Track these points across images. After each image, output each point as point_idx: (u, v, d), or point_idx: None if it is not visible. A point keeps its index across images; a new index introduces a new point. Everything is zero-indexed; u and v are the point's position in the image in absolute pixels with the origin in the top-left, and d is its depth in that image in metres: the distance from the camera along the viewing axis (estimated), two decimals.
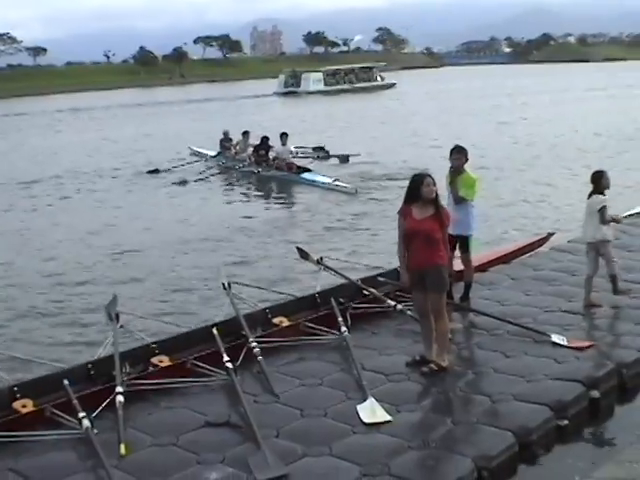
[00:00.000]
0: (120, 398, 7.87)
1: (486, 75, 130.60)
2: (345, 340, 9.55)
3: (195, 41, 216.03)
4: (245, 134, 31.40)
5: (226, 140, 32.18)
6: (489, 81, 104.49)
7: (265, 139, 29.68)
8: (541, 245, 14.51)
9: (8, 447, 7.27)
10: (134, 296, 14.12)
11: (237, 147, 31.11)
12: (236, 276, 13.29)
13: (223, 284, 10.97)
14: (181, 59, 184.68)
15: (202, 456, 7.03)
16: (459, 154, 10.88)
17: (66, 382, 8.06)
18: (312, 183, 26.50)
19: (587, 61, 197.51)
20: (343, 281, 11.52)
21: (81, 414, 7.50)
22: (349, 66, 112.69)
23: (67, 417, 7.62)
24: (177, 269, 16.33)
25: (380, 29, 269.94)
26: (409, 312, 10.25)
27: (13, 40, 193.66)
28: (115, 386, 8.06)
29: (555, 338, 9.50)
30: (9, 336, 12.50)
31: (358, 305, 10.80)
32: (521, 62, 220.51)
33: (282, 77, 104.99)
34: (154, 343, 9.36)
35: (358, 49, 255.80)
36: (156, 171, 30.56)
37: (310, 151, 32.47)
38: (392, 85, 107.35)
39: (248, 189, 27.48)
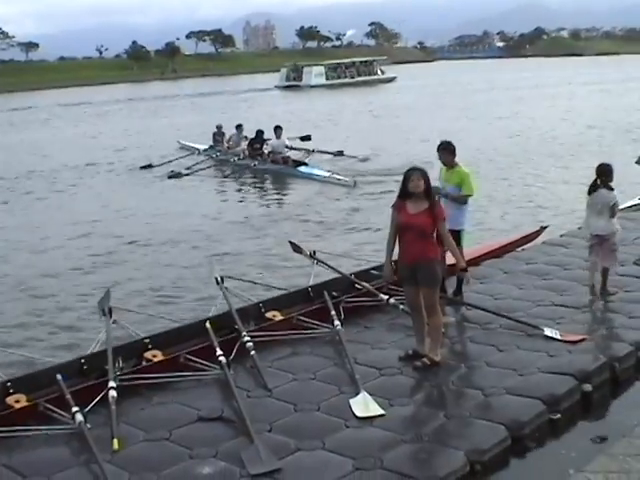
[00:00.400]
0: (113, 393, 7.86)
1: (480, 70, 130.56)
2: (338, 334, 9.57)
3: (187, 36, 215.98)
4: (238, 128, 31.24)
5: (219, 134, 32.07)
6: (484, 75, 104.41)
7: (260, 132, 29.52)
8: (534, 239, 14.52)
9: (1, 442, 7.26)
10: (127, 291, 14.11)
11: (230, 141, 31.02)
12: (229, 270, 13.28)
13: (216, 278, 10.97)
14: (174, 54, 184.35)
15: (195, 451, 7.04)
16: (445, 150, 10.89)
17: (59, 377, 8.05)
18: (309, 176, 26.37)
19: (580, 55, 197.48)
20: (336, 275, 11.53)
21: (74, 409, 7.49)
22: (350, 60, 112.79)
23: (60, 412, 7.62)
24: (170, 263, 16.28)
25: (373, 23, 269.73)
26: (402, 306, 10.25)
27: (5, 35, 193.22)
28: (108, 381, 8.05)
29: (548, 332, 9.52)
30: (1, 331, 12.46)
31: (351, 299, 10.80)
32: (514, 56, 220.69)
33: (284, 71, 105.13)
34: (147, 338, 9.37)
35: (351, 44, 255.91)
36: (149, 166, 30.46)
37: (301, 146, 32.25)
38: (392, 79, 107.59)
39: (243, 183, 27.37)
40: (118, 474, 6.68)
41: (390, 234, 8.99)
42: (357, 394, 8.01)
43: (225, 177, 27.99)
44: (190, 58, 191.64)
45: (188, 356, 8.89)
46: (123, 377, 8.38)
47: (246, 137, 30.48)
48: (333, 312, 10.10)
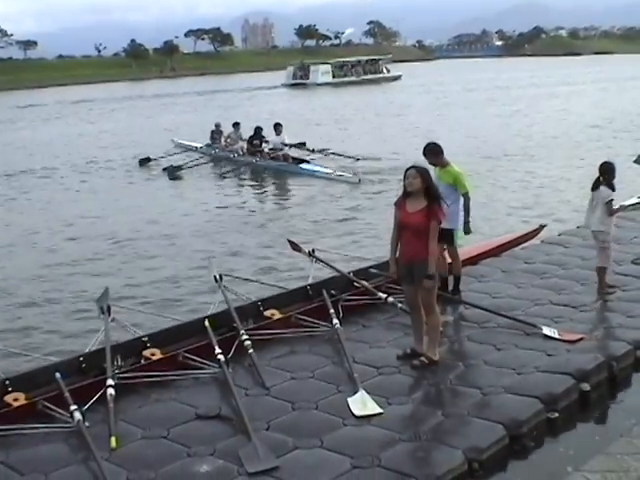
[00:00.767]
0: (111, 391, 7.87)
1: (480, 69, 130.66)
2: (336, 333, 9.56)
3: (186, 34, 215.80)
4: (236, 125, 31.22)
5: (217, 132, 32.14)
6: (484, 75, 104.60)
7: (258, 129, 29.56)
8: (532, 238, 14.50)
9: (0, 441, 7.27)
10: (126, 289, 14.11)
11: (228, 139, 31.02)
12: (228, 268, 13.29)
13: (215, 277, 10.99)
14: (172, 52, 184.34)
15: (193, 449, 7.04)
16: (429, 153, 10.88)
17: (58, 375, 8.05)
18: (312, 173, 26.30)
19: (579, 54, 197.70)
20: (335, 274, 11.53)
21: (72, 407, 7.50)
22: (356, 58, 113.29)
23: (59, 410, 7.62)
24: (169, 262, 16.28)
25: (371, 22, 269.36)
26: (400, 305, 10.26)
27: (4, 33, 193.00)
28: (106, 379, 8.05)
29: (546, 331, 9.53)
30: (0, 330, 12.46)
31: (350, 297, 10.81)
32: (513, 55, 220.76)
33: (290, 69, 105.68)
34: (145, 336, 9.36)
35: (349, 42, 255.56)
36: (147, 160, 30.44)
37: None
38: (398, 77, 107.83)
39: (243, 180, 27.36)
40: (116, 472, 6.68)
41: (393, 232, 8.99)
42: (355, 393, 8.01)
43: (224, 174, 27.87)
44: (189, 56, 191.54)
45: (186, 354, 8.90)
46: (121, 375, 8.38)
47: (241, 137, 30.51)
48: (332, 311, 10.10)
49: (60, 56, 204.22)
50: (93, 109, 69.48)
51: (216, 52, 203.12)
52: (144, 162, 30.45)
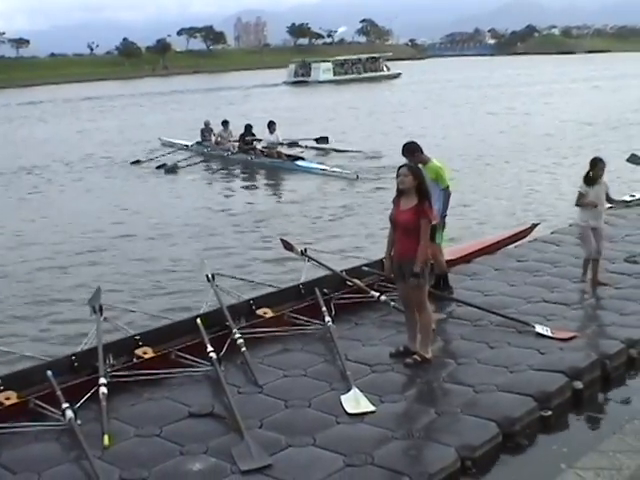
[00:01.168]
0: (103, 389, 7.85)
1: (473, 67, 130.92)
2: (329, 331, 9.55)
3: (179, 33, 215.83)
4: (225, 124, 31.33)
5: (207, 130, 32.20)
6: (478, 73, 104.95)
7: (249, 127, 29.69)
8: (525, 236, 14.53)
9: None
10: (118, 288, 14.07)
11: (219, 137, 31.02)
12: (220, 267, 13.27)
13: (207, 276, 10.97)
14: (165, 51, 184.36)
15: (185, 447, 7.02)
16: (406, 152, 10.82)
17: (50, 374, 8.01)
18: (308, 170, 26.25)
19: (572, 53, 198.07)
20: (327, 272, 11.52)
21: (64, 405, 7.47)
22: (357, 56, 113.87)
23: (51, 409, 7.60)
24: (161, 260, 16.25)
25: (364, 20, 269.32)
26: (393, 303, 10.27)
27: None
28: (99, 377, 8.04)
29: (539, 329, 9.53)
30: None
31: (342, 296, 10.81)
32: (505, 54, 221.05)
33: (292, 67, 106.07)
34: (138, 335, 9.34)
35: (342, 41, 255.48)
36: (138, 162, 30.41)
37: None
38: (398, 75, 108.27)
39: (236, 177, 27.34)
40: (109, 470, 6.66)
41: (390, 230, 8.99)
42: (348, 390, 8.00)
43: (217, 172, 27.89)
44: (181, 55, 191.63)
45: (179, 353, 8.88)
46: (114, 374, 8.36)
47: (231, 135, 30.52)
48: (324, 309, 10.10)
49: (52, 54, 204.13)
50: (85, 107, 69.34)
51: (209, 50, 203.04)
52: (135, 164, 30.36)
